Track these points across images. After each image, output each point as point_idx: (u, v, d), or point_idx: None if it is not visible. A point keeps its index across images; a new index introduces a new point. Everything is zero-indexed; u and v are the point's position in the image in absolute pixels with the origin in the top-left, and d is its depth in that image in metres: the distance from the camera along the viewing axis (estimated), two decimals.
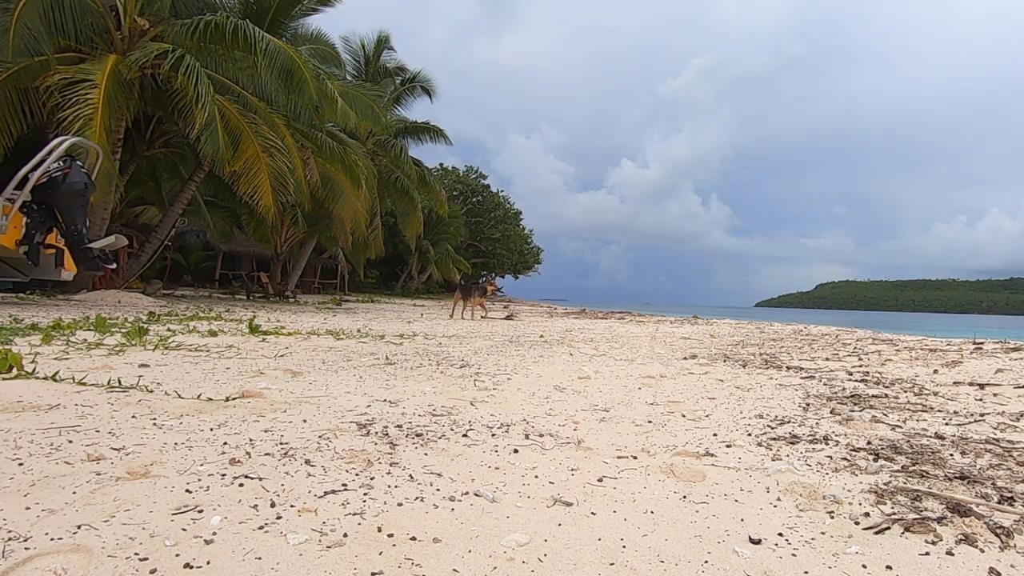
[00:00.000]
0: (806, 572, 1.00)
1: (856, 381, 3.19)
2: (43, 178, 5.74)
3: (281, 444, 1.59)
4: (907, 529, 1.16)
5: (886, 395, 2.72)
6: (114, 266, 6.50)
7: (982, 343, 5.48)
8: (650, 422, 2.10)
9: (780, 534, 1.14)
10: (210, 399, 2.10)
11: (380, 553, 1.00)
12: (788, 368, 3.77)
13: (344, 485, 1.30)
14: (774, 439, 1.87)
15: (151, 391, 2.19)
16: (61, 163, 6.07)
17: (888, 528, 1.17)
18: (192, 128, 8.91)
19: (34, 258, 6.11)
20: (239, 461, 1.42)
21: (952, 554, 1.07)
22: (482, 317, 10.20)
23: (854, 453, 1.70)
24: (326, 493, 1.25)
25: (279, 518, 1.11)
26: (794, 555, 1.06)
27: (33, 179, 5.67)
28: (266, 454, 1.50)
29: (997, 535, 1.14)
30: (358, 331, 5.50)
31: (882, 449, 1.74)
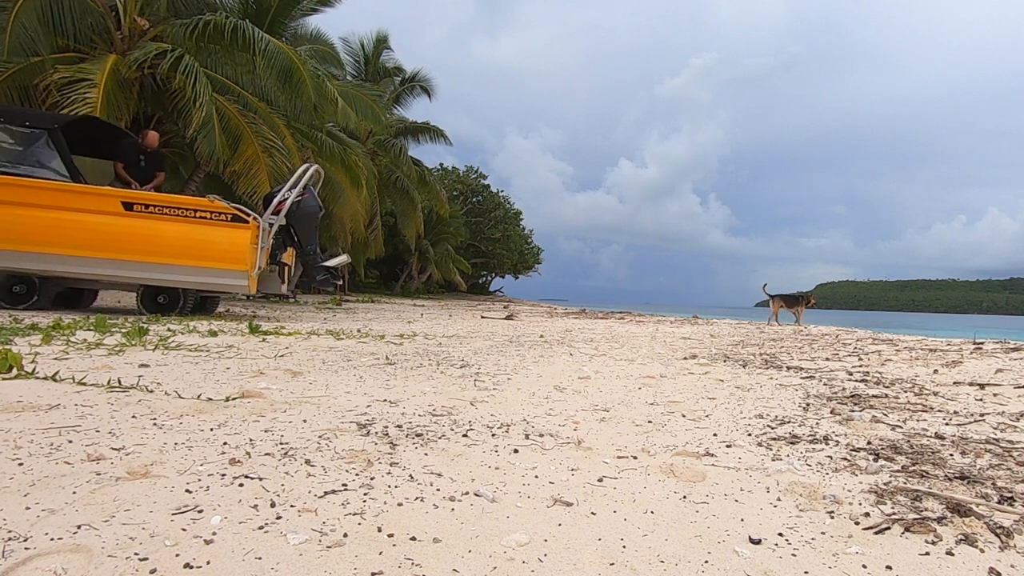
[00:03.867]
0: (806, 572, 1.00)
1: (856, 381, 3.19)
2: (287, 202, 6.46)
3: (281, 444, 1.59)
4: (907, 529, 1.16)
5: (886, 395, 2.72)
6: (340, 282, 7.19)
7: (982, 343, 5.48)
8: (650, 422, 2.10)
9: (780, 534, 1.14)
10: (210, 399, 2.10)
11: (380, 553, 1.00)
12: (788, 368, 3.77)
13: (344, 485, 1.30)
14: (774, 439, 1.87)
15: (151, 391, 2.19)
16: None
17: (888, 528, 1.17)
18: (191, 128, 8.92)
19: (281, 275, 6.75)
20: (239, 461, 1.42)
21: (952, 554, 1.07)
22: (482, 317, 10.19)
23: (854, 453, 1.70)
24: (326, 493, 1.25)
25: (279, 518, 1.11)
26: (794, 555, 1.06)
27: (288, 203, 6.37)
28: (266, 454, 1.50)
29: (997, 535, 1.14)
30: (358, 331, 5.50)
31: (882, 449, 1.74)
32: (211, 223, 6.03)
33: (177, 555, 0.95)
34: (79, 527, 1.02)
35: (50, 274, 5.96)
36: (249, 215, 6.15)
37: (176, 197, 6.36)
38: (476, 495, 1.29)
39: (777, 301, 11.35)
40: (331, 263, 7.01)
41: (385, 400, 2.28)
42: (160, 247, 5.94)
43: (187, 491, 1.22)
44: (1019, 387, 2.86)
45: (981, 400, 2.62)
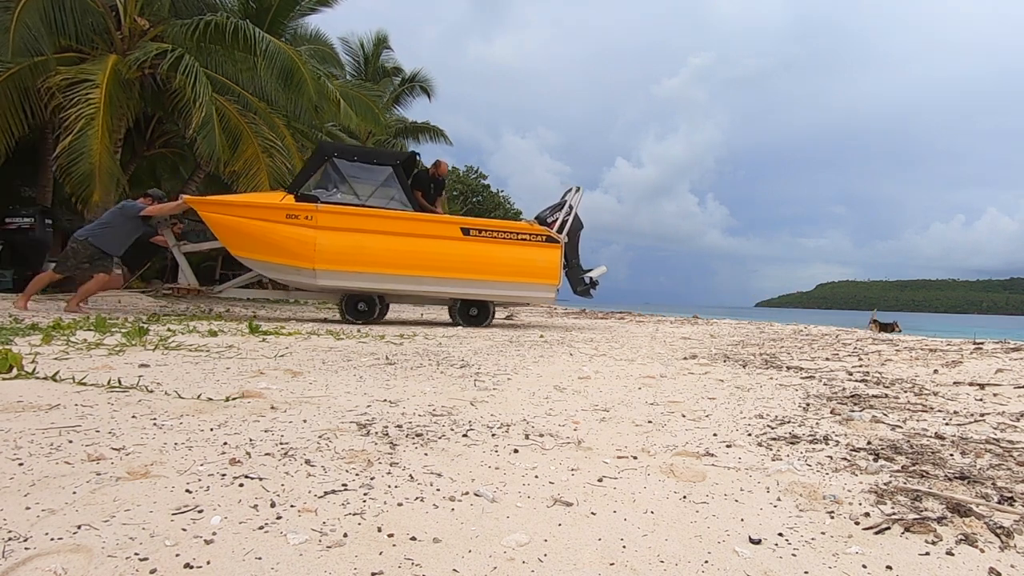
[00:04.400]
0: (806, 572, 1.00)
1: (856, 381, 3.19)
2: (557, 219, 7.18)
3: (281, 444, 1.59)
4: (907, 529, 1.16)
5: (886, 395, 2.72)
6: (593, 295, 7.84)
7: (982, 343, 5.48)
8: (650, 422, 2.10)
9: (780, 534, 1.14)
10: (210, 399, 2.10)
11: (380, 553, 1.00)
12: (788, 368, 3.77)
13: (344, 485, 1.30)
14: (774, 439, 1.87)
15: (151, 391, 2.19)
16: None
17: (888, 528, 1.17)
18: (191, 128, 8.93)
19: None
20: (239, 461, 1.42)
21: (952, 554, 1.07)
22: None
23: (854, 453, 1.70)
24: (326, 493, 1.25)
25: (279, 518, 1.11)
26: (794, 555, 1.06)
27: (569, 223, 7.10)
28: (266, 454, 1.50)
29: (997, 535, 1.14)
30: (358, 331, 5.50)
31: (882, 449, 1.74)
32: (530, 244, 6.85)
33: (177, 555, 0.95)
34: (79, 527, 1.02)
35: (389, 292, 6.77)
36: (558, 236, 6.94)
37: (502, 222, 7.35)
38: (476, 495, 1.29)
39: (875, 325, 11.58)
40: (593, 274, 7.66)
41: (385, 400, 2.28)
42: (490, 266, 6.72)
43: (187, 491, 1.22)
44: (1019, 387, 2.86)
45: (981, 400, 2.62)
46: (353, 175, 6.68)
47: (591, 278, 7.60)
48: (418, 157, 7.52)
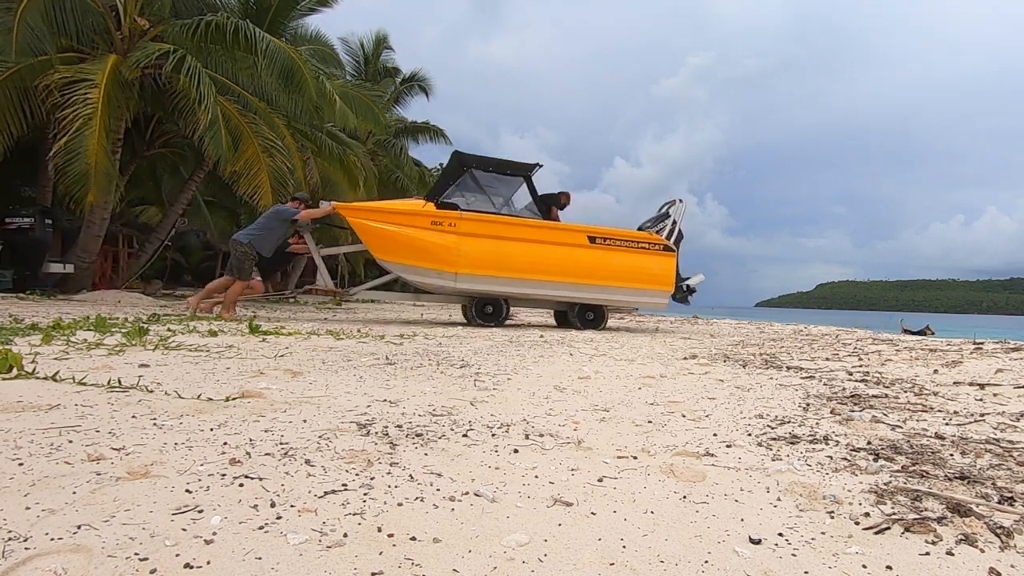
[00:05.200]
0: (806, 572, 1.00)
1: (856, 381, 3.19)
2: (665, 229, 7.58)
3: (281, 444, 1.59)
4: (907, 529, 1.16)
5: (886, 395, 2.72)
6: (690, 302, 8.07)
7: (982, 343, 5.48)
8: (650, 422, 2.10)
9: (780, 534, 1.14)
10: (210, 399, 2.10)
11: (380, 553, 1.00)
12: (788, 368, 3.77)
13: (344, 485, 1.30)
14: (774, 439, 1.87)
15: (151, 391, 2.19)
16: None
17: (888, 528, 1.17)
18: (194, 129, 8.92)
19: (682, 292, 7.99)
20: (239, 461, 1.42)
21: (952, 554, 1.07)
22: None
23: (854, 453, 1.70)
24: (326, 493, 1.25)
25: (279, 518, 1.11)
26: (794, 555, 1.06)
27: (676, 233, 7.52)
28: (266, 454, 1.50)
29: (997, 535, 1.14)
30: (358, 331, 5.50)
31: (882, 449, 1.74)
32: (648, 252, 7.22)
33: (177, 555, 0.95)
34: (79, 527, 1.02)
35: (518, 296, 7.10)
36: (673, 246, 7.34)
37: (624, 231, 7.40)
38: (476, 495, 1.29)
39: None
40: (691, 281, 7.88)
41: (385, 400, 2.28)
42: (613, 272, 7.07)
43: (187, 491, 1.22)
44: (1019, 387, 2.86)
45: (981, 400, 2.62)
46: (489, 184, 7.09)
47: (688, 285, 7.84)
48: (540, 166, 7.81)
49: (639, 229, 7.80)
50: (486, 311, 6.94)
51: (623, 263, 7.10)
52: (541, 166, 7.57)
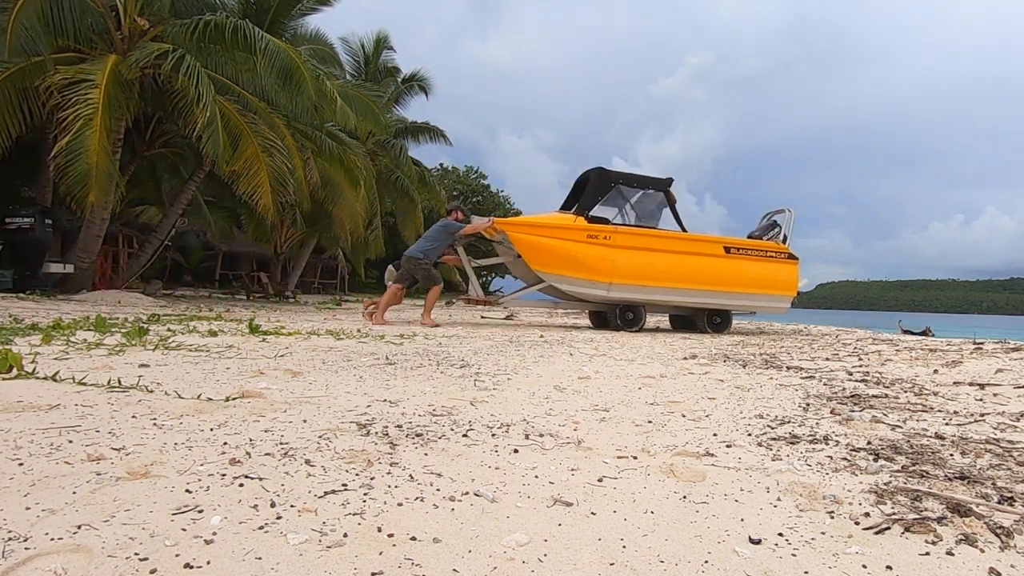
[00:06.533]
0: (806, 572, 1.00)
1: (856, 381, 3.19)
2: (776, 238, 8.03)
3: (281, 444, 1.59)
4: (907, 529, 1.16)
5: (886, 395, 2.72)
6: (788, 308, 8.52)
7: (982, 343, 5.48)
8: (650, 422, 2.10)
9: (780, 534, 1.14)
10: (210, 399, 2.10)
11: (380, 553, 1.00)
12: (788, 368, 3.77)
13: (344, 485, 1.30)
14: (774, 439, 1.87)
15: (151, 391, 2.19)
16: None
17: (888, 528, 1.17)
18: (193, 128, 8.91)
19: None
20: (239, 461, 1.42)
21: (952, 554, 1.07)
22: (482, 317, 10.20)
23: (854, 453, 1.70)
24: (326, 493, 1.25)
25: (279, 518, 1.11)
26: (794, 555, 1.06)
27: (789, 239, 7.97)
28: (266, 454, 1.50)
29: (997, 535, 1.14)
30: (358, 331, 5.50)
31: (882, 449, 1.74)
32: (776, 260, 7.70)
33: (177, 555, 0.95)
34: (79, 527, 1.02)
35: (658, 303, 7.56)
36: (796, 254, 7.82)
37: (754, 241, 7.87)
38: (476, 495, 1.29)
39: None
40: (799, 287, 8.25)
41: (385, 400, 2.28)
42: (746, 280, 7.54)
43: (187, 491, 1.22)
44: (1019, 387, 2.86)
45: (981, 400, 2.62)
46: (634, 198, 7.60)
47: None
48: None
49: (748, 237, 8.17)
50: (627, 317, 7.36)
51: (754, 271, 7.59)
52: (673, 180, 8.02)
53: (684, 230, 7.61)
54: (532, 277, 7.45)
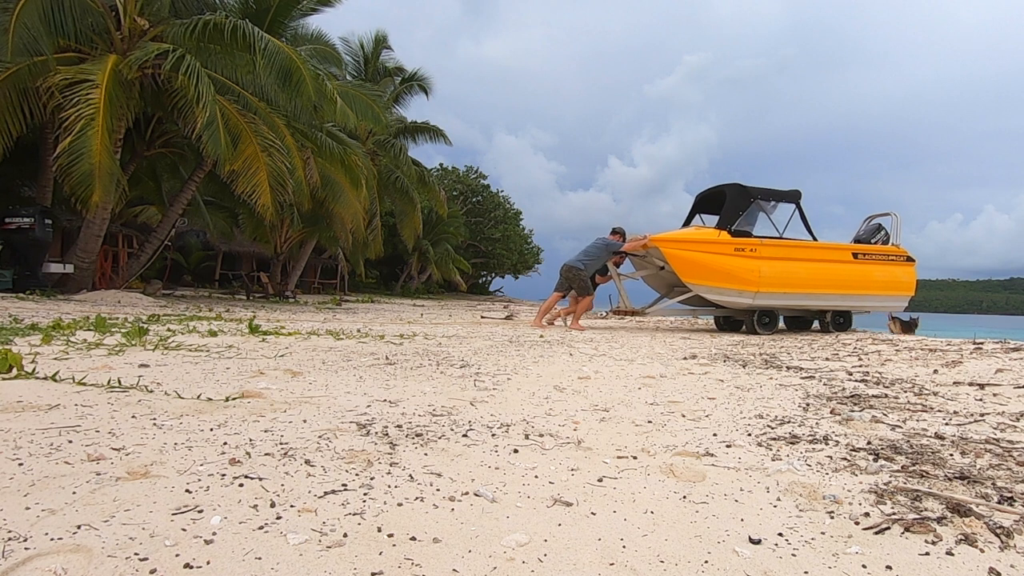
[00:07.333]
0: (806, 572, 1.00)
1: (856, 381, 3.19)
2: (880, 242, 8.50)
3: (281, 444, 1.59)
4: (907, 529, 1.16)
5: (886, 395, 2.72)
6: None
7: (982, 343, 5.48)
8: (650, 422, 2.10)
9: (780, 534, 1.15)
10: (210, 399, 2.10)
11: (380, 553, 1.00)
12: (788, 368, 3.77)
13: (344, 485, 1.30)
14: (774, 439, 1.87)
15: (151, 391, 2.19)
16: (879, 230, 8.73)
17: (888, 528, 1.17)
18: (193, 128, 8.91)
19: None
20: (239, 461, 1.42)
21: (952, 554, 1.07)
22: (482, 317, 10.20)
23: (854, 453, 1.70)
24: (326, 493, 1.25)
25: (279, 518, 1.11)
26: (794, 555, 1.06)
27: (895, 242, 8.41)
28: (266, 454, 1.50)
29: (997, 535, 1.14)
30: (358, 331, 5.50)
31: (882, 449, 1.74)
32: (896, 263, 8.21)
33: (177, 555, 0.95)
34: (79, 527, 1.03)
35: (794, 308, 8.06)
36: (914, 256, 8.32)
37: (877, 247, 8.33)
38: (476, 495, 1.29)
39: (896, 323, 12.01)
40: None
41: (385, 400, 2.28)
42: (871, 283, 8.09)
43: (187, 491, 1.22)
44: (1019, 387, 2.86)
45: (981, 400, 2.62)
46: (771, 212, 8.08)
47: None
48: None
49: (855, 240, 8.61)
50: (764, 321, 7.89)
51: (879, 274, 8.13)
52: (802, 193, 8.50)
53: (814, 238, 8.12)
54: (666, 288, 8.25)
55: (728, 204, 7.92)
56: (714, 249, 7.68)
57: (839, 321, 8.25)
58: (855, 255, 8.09)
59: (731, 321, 8.77)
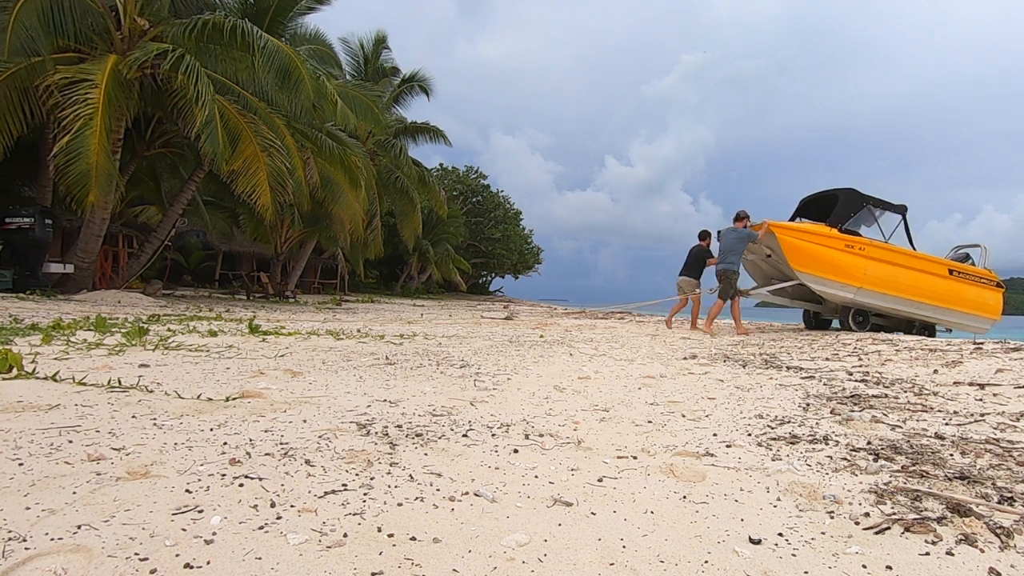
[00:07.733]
0: (806, 572, 1.00)
1: (856, 381, 3.19)
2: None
3: (281, 444, 1.59)
4: (907, 529, 1.16)
5: (886, 395, 2.72)
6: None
7: (982, 343, 5.48)
8: (650, 422, 2.10)
9: (780, 534, 1.14)
10: (210, 399, 2.10)
11: (380, 553, 1.00)
12: (788, 368, 3.77)
13: (344, 485, 1.30)
14: (774, 439, 1.87)
15: (151, 391, 2.19)
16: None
17: (888, 528, 1.17)
18: (192, 127, 8.91)
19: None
20: (239, 461, 1.42)
21: (952, 554, 1.07)
22: (482, 317, 10.20)
23: (854, 453, 1.70)
24: (326, 493, 1.25)
25: (279, 518, 1.11)
26: (794, 555, 1.06)
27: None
28: (266, 454, 1.50)
29: (997, 535, 1.14)
30: (358, 331, 5.50)
31: (882, 449, 1.74)
32: (987, 287, 8.70)
33: (177, 555, 0.95)
34: (79, 527, 1.02)
35: (887, 309, 8.42)
36: (1003, 283, 8.84)
37: (972, 267, 8.79)
38: (476, 495, 1.29)
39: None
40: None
41: (385, 400, 2.28)
42: (962, 299, 8.51)
43: (187, 491, 1.22)
44: (1019, 387, 2.86)
45: (981, 400, 2.62)
46: (880, 218, 8.48)
47: None
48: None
49: (956, 258, 9.08)
50: (858, 320, 8.32)
51: (969, 293, 8.55)
52: (907, 207, 8.92)
53: (915, 249, 8.49)
54: (762, 279, 8.64)
55: (841, 204, 8.31)
56: (826, 242, 8.02)
57: (924, 333, 8.53)
58: (951, 271, 8.49)
59: (820, 319, 9.09)
